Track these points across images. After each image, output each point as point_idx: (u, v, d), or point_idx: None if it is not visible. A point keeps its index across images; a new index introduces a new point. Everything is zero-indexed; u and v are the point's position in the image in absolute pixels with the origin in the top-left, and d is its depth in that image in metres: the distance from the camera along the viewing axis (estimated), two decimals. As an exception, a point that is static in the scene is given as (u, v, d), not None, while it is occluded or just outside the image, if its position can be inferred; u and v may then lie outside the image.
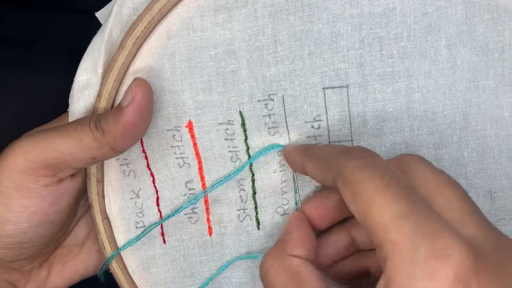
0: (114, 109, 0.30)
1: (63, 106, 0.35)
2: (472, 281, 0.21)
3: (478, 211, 0.24)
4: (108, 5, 0.33)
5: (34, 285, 0.34)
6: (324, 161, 0.27)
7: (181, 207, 0.33)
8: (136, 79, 0.30)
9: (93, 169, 0.33)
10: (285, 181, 0.33)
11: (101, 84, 0.32)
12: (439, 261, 0.21)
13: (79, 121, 0.30)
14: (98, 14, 0.34)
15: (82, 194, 0.34)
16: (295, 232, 0.29)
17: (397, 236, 0.22)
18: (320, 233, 0.31)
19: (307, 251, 0.28)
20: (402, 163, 0.26)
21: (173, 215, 0.34)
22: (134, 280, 0.35)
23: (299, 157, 0.30)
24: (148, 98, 0.30)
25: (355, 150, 0.26)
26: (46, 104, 0.40)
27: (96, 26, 0.33)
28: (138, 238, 0.34)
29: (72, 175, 0.32)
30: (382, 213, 0.22)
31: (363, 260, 0.31)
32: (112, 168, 0.34)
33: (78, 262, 0.35)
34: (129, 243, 0.34)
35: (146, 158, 0.33)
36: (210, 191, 0.33)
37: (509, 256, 0.23)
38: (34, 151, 0.29)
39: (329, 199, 0.30)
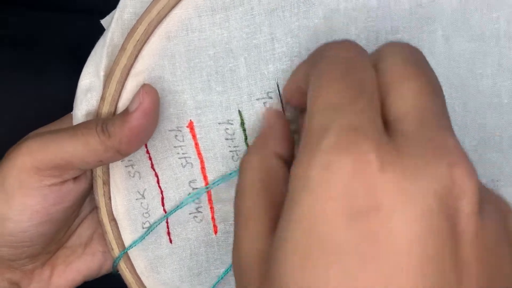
0: (121, 113, 0.31)
1: (63, 107, 0.35)
2: (373, 179, 0.18)
3: (434, 110, 0.21)
4: (112, 12, 0.34)
5: (37, 285, 0.35)
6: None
7: (182, 203, 0.34)
8: (144, 86, 0.31)
9: (99, 171, 0.34)
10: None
11: (104, 87, 0.32)
12: (340, 153, 0.19)
13: (86, 124, 0.31)
14: (103, 22, 0.35)
15: (86, 196, 0.35)
16: (277, 127, 0.27)
17: (315, 123, 0.20)
18: None
19: (289, 150, 0.26)
20: (379, 52, 0.23)
21: (176, 211, 0.34)
22: (143, 280, 0.36)
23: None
24: (155, 104, 0.31)
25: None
26: (46, 105, 0.40)
27: (97, 26, 0.34)
28: (142, 237, 0.35)
29: (75, 177, 0.32)
30: (319, 100, 0.20)
31: None
32: (117, 170, 0.34)
33: (81, 263, 0.36)
34: (134, 243, 0.35)
35: (150, 158, 0.34)
36: (212, 187, 0.33)
37: (432, 156, 0.19)
38: (42, 151, 0.30)
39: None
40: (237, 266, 0.23)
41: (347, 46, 0.23)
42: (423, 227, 0.18)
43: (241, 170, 0.25)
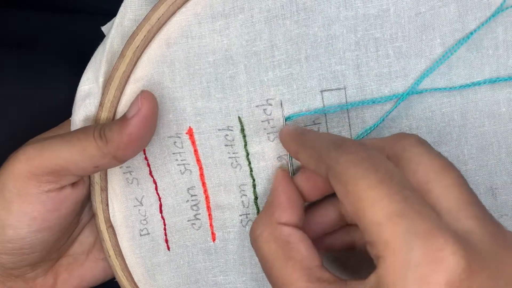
0: (119, 119, 0.31)
1: (64, 109, 0.35)
2: (465, 286, 0.21)
3: (476, 201, 0.24)
4: (113, 19, 0.34)
5: None
6: (316, 151, 0.26)
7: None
8: (142, 92, 0.31)
9: (96, 178, 0.34)
10: None
11: (103, 94, 0.32)
12: (432, 266, 0.21)
13: (83, 130, 0.31)
14: (103, 28, 0.35)
15: (85, 203, 0.35)
16: (282, 195, 0.29)
17: (391, 235, 0.21)
18: (308, 206, 0.31)
19: (296, 216, 0.28)
20: (396, 145, 0.26)
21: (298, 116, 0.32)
22: (140, 288, 0.36)
23: (293, 144, 0.30)
24: (153, 110, 0.31)
25: (347, 143, 0.25)
26: (47, 106, 0.40)
27: (98, 27, 0.34)
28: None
29: (73, 184, 0.32)
30: (376, 211, 0.22)
31: (350, 234, 0.31)
32: (115, 176, 0.34)
33: (85, 270, 0.36)
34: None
35: (149, 165, 0.34)
36: (289, 119, 0.32)
37: (507, 254, 0.22)
38: (38, 157, 0.30)
39: None
40: None
41: (359, 147, 0.25)
42: None
43: (256, 244, 0.28)
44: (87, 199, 0.35)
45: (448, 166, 0.24)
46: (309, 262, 0.26)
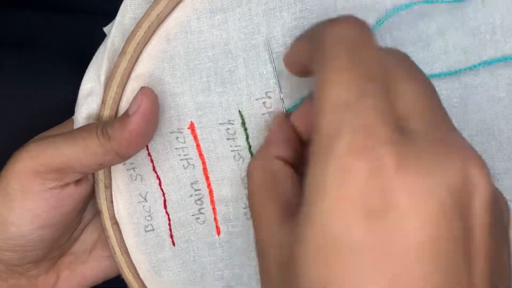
0: (121, 116, 0.31)
1: (64, 109, 0.36)
2: (389, 180, 0.19)
3: (437, 110, 0.22)
4: (114, 20, 0.34)
5: None
6: (310, 34, 0.24)
7: None
8: (142, 88, 0.31)
9: (100, 175, 0.34)
10: None
11: (105, 91, 0.33)
12: (356, 156, 0.19)
13: (86, 128, 0.31)
14: (105, 29, 0.35)
15: (88, 201, 0.35)
16: (278, 131, 0.29)
17: (326, 124, 0.20)
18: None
19: (291, 150, 0.28)
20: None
21: None
22: (147, 285, 0.36)
23: (303, 45, 0.25)
24: (153, 106, 0.31)
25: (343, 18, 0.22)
26: (47, 106, 0.40)
27: (100, 27, 0.34)
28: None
29: (77, 181, 0.33)
30: (328, 97, 0.20)
31: None
32: (119, 173, 0.34)
33: (87, 269, 0.36)
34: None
35: (152, 161, 0.34)
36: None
37: (439, 150, 0.20)
38: (42, 155, 0.30)
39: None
40: (259, 254, 0.25)
41: (350, 23, 0.22)
42: (435, 226, 0.18)
43: (248, 173, 0.28)
44: (90, 197, 0.35)
45: (420, 75, 0.22)
46: (290, 198, 0.25)
